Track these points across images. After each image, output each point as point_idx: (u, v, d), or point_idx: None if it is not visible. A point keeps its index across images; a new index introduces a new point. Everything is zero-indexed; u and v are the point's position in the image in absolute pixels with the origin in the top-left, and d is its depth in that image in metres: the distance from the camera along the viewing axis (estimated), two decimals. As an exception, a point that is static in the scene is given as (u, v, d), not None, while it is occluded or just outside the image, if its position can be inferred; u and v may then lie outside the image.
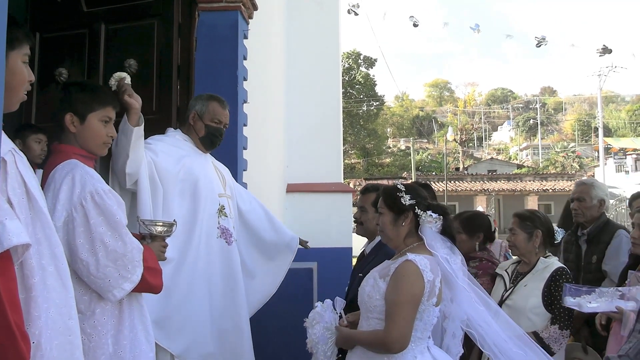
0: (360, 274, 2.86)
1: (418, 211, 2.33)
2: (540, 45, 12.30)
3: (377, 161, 43.68)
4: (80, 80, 2.36)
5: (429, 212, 2.33)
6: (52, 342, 1.51)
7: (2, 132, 1.39)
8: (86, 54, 4.13)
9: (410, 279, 2.17)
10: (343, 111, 8.04)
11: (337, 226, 7.37)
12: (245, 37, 4.25)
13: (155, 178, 2.87)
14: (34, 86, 4.18)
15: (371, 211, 3.12)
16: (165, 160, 2.95)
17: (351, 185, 31.58)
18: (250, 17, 4.31)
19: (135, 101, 2.67)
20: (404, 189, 2.37)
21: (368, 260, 3.01)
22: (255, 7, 4.31)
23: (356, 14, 9.53)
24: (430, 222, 2.32)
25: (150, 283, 2.08)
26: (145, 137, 3.83)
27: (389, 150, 48.25)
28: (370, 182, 4.38)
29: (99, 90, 2.25)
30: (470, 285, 2.29)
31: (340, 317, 2.44)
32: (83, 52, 4.15)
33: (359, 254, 3.78)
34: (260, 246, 3.51)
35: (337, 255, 7.15)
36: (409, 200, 2.34)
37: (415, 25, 11.73)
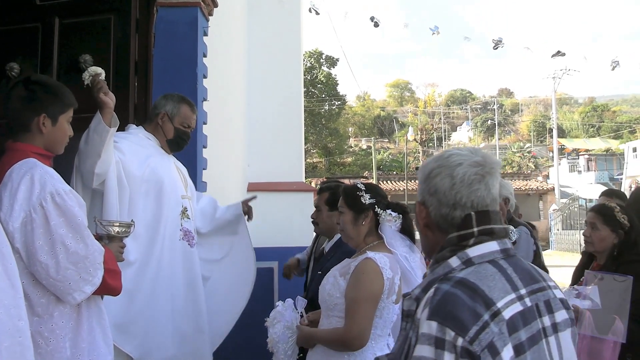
0: (319, 272, 2.87)
1: (378, 210, 2.35)
2: (497, 47, 12.58)
3: (338, 160, 43.84)
4: (42, 79, 2.27)
5: (389, 211, 2.35)
6: (1, 345, 1.45)
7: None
8: (39, 48, 4.00)
9: (370, 276, 2.18)
10: (305, 110, 8.06)
11: (298, 225, 7.37)
12: (205, 34, 4.20)
13: (123, 178, 2.81)
14: (-17, 81, 4.03)
15: (325, 210, 3.14)
16: (132, 160, 2.88)
17: (313, 184, 31.57)
18: (210, 14, 4.26)
19: (110, 99, 2.60)
20: (364, 188, 2.38)
21: (327, 259, 3.02)
22: (215, 4, 4.26)
23: (317, 12, 9.55)
24: (390, 221, 2.34)
25: (109, 285, 2.03)
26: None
27: (351, 150, 48.48)
28: (329, 180, 4.36)
29: (64, 90, 2.19)
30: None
31: (302, 316, 2.44)
32: (36, 47, 4.01)
33: (317, 253, 3.79)
34: (220, 231, 3.45)
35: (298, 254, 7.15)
36: (369, 199, 2.35)
37: (376, 25, 11.82)
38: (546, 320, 1.30)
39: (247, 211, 3.51)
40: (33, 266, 1.88)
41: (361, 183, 2.43)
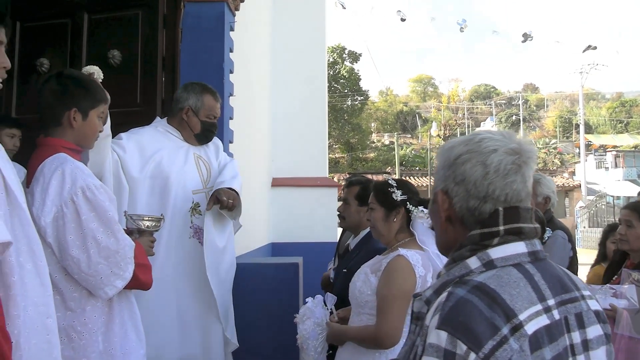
0: (345, 270, 2.83)
1: (410, 207, 2.31)
2: (525, 41, 12.37)
3: (361, 156, 43.73)
4: (74, 74, 2.27)
5: (421, 208, 2.31)
6: (30, 342, 1.46)
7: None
8: (68, 44, 4.04)
9: (402, 274, 2.15)
10: (327, 105, 8.02)
11: (322, 221, 7.36)
12: (232, 29, 4.19)
13: (121, 177, 2.76)
14: (14, 76, 4.09)
15: (354, 204, 3.08)
16: (133, 158, 2.83)
17: (335, 179, 31.58)
18: (237, 9, 4.25)
19: None
20: (395, 185, 2.35)
21: (352, 256, 2.97)
22: (241, -1, 4.24)
23: (343, 7, 9.49)
24: (422, 218, 2.30)
25: (140, 280, 2.03)
26: (129, 130, 3.78)
27: (373, 145, 48.31)
28: (354, 174, 4.31)
29: (96, 85, 2.19)
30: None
31: (331, 312, 2.42)
32: (65, 42, 4.05)
33: (342, 250, 3.76)
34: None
35: (322, 250, 7.12)
36: (401, 195, 2.32)
37: (402, 20, 11.72)
38: (576, 337, 1.14)
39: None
40: (65, 260, 1.89)
41: (392, 179, 2.40)
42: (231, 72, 4.21)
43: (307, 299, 2.43)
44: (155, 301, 2.74)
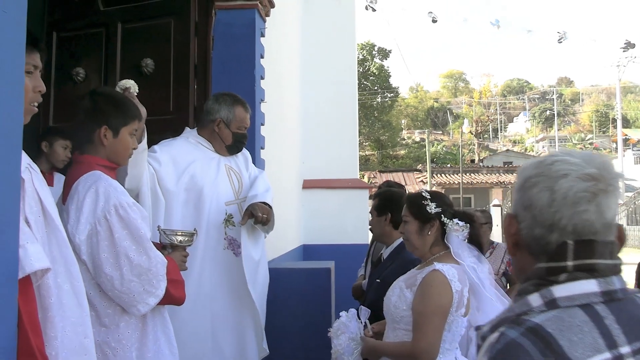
0: (378, 280, 2.81)
1: (444, 219, 2.27)
2: (561, 41, 12.08)
3: (391, 153, 43.49)
4: (106, 91, 2.30)
5: (455, 220, 2.27)
6: None
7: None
8: (103, 53, 4.10)
9: (439, 289, 2.11)
10: (357, 103, 7.99)
11: (352, 223, 7.34)
12: (262, 35, 4.20)
13: (157, 190, 2.78)
14: (51, 85, 4.17)
15: (373, 215, 3.10)
16: (168, 171, 2.85)
17: (365, 177, 31.46)
18: (267, 15, 4.25)
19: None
20: (429, 197, 2.31)
21: (385, 266, 2.95)
22: (272, 5, 4.25)
23: (374, 10, 9.44)
24: (457, 231, 2.26)
25: (173, 296, 2.05)
26: (162, 138, 3.82)
27: (404, 142, 48.01)
28: (387, 183, 4.23)
29: (128, 102, 2.20)
30: (498, 295, 2.23)
31: (365, 326, 2.39)
32: (100, 52, 4.12)
33: (374, 257, 3.74)
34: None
35: (352, 252, 7.10)
36: (435, 208, 2.28)
37: (434, 21, 11.59)
38: None
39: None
40: (99, 278, 1.91)
41: (426, 191, 2.36)
42: (262, 78, 4.21)
43: (340, 313, 2.41)
44: (191, 313, 2.75)
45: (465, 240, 2.28)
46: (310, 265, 5.11)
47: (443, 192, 31.34)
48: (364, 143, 40.81)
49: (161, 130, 3.84)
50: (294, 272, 4.55)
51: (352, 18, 7.22)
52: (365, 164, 38.07)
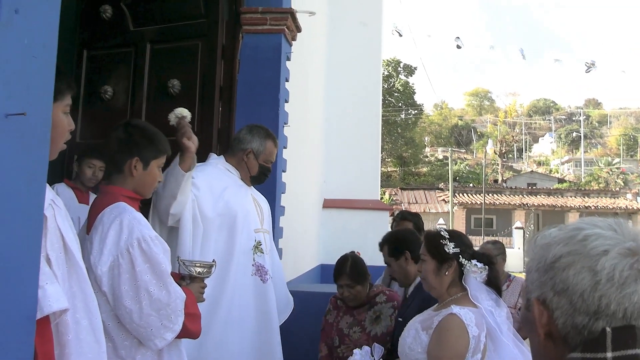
0: (400, 319, 2.78)
1: (462, 260, 2.24)
2: (589, 71, 11.95)
3: (413, 170, 43.29)
4: (141, 124, 2.33)
5: (474, 262, 2.24)
6: None
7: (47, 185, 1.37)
8: (131, 72, 4.18)
9: (455, 334, 2.08)
10: (381, 120, 8.00)
11: (372, 244, 7.27)
12: (288, 59, 4.23)
13: (197, 216, 2.80)
14: (79, 102, 4.25)
15: (392, 262, 3.10)
16: (206, 196, 2.87)
17: (387, 194, 31.35)
18: (294, 39, 4.29)
19: (193, 144, 2.60)
20: (447, 236, 2.28)
21: (407, 304, 2.92)
22: (298, 29, 4.28)
23: (400, 35, 9.46)
24: (475, 272, 2.22)
25: (189, 330, 2.05)
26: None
27: (426, 160, 47.77)
28: (395, 218, 4.20)
29: (160, 136, 2.22)
30: (515, 341, 2.18)
31: (379, 366, 2.37)
32: (128, 71, 4.19)
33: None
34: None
35: (372, 274, 7.07)
36: (453, 248, 2.25)
37: (458, 47, 11.58)
38: None
39: None
40: (118, 310, 1.93)
41: (445, 230, 2.33)
42: (286, 101, 4.24)
43: (354, 350, 2.39)
44: (221, 339, 2.79)
45: (483, 282, 2.25)
46: (327, 289, 5.08)
47: (465, 212, 30.92)
48: (386, 159, 40.71)
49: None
50: (311, 295, 4.53)
51: (378, 40, 7.25)
52: (386, 180, 37.93)
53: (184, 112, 2.59)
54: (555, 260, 0.96)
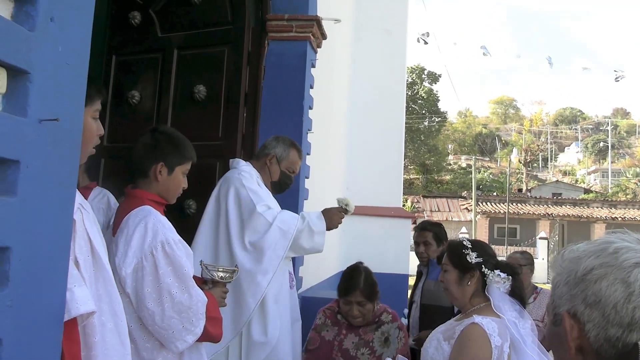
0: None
1: (485, 270, 2.22)
2: (619, 80, 11.75)
3: (436, 178, 43.02)
4: (168, 130, 2.37)
5: (497, 272, 2.21)
6: None
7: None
8: (158, 78, 4.23)
9: (477, 344, 2.05)
10: (404, 129, 7.99)
11: (394, 252, 7.28)
12: (313, 66, 4.25)
13: None
14: (107, 107, 4.33)
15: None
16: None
17: (409, 202, 31.19)
18: (319, 47, 4.31)
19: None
20: (470, 246, 2.26)
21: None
22: (324, 37, 4.30)
23: (426, 42, 9.44)
24: (498, 283, 2.20)
25: (210, 333, 2.07)
26: (210, 163, 3.89)
27: (449, 167, 47.42)
28: (417, 226, 4.13)
29: (186, 143, 2.25)
30: (540, 355, 2.14)
31: (404, 377, 2.35)
32: (155, 76, 4.25)
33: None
34: None
35: (393, 282, 7.04)
36: (475, 258, 2.23)
37: (484, 55, 11.51)
38: None
39: None
40: (141, 312, 1.96)
41: (467, 240, 2.32)
42: (310, 108, 4.26)
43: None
44: (281, 335, 2.86)
45: (507, 292, 2.22)
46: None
47: (488, 221, 30.49)
48: (409, 166, 40.54)
49: (210, 155, 3.93)
50: (330, 302, 4.52)
51: (402, 47, 7.24)
52: (409, 187, 37.74)
53: (345, 201, 2.86)
54: (586, 272, 0.95)
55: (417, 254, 3.77)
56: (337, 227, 2.87)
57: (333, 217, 2.86)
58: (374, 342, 2.88)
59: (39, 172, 1.14)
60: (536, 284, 4.64)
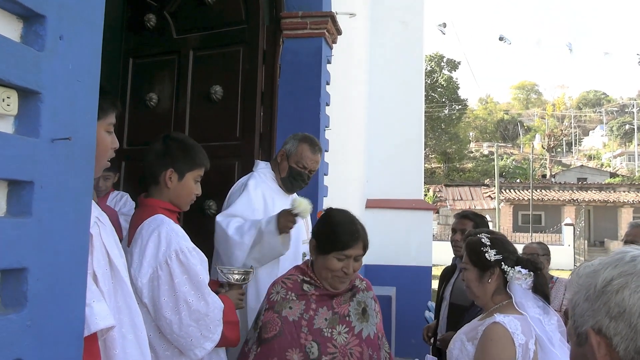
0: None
1: (505, 267, 2.18)
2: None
3: (458, 166, 42.68)
4: (180, 137, 2.35)
5: (518, 268, 2.17)
6: None
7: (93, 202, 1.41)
8: (175, 79, 4.25)
9: (500, 344, 2.02)
10: (424, 115, 7.91)
11: (417, 244, 7.24)
12: (329, 62, 4.23)
13: None
14: (126, 109, 4.37)
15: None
16: (258, 216, 2.89)
17: (430, 191, 30.99)
18: (334, 42, 4.28)
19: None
20: (489, 243, 2.22)
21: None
22: (339, 32, 4.27)
23: (443, 33, 9.32)
24: (520, 279, 2.16)
25: (228, 338, 2.08)
26: (228, 163, 3.90)
27: (471, 155, 46.98)
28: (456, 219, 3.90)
29: (198, 149, 2.23)
30: (567, 353, 2.09)
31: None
32: (172, 78, 4.27)
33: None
34: None
35: (416, 275, 7.02)
36: (495, 255, 2.18)
37: (500, 38, 11.31)
38: None
39: None
40: (159, 321, 1.97)
41: (486, 237, 2.27)
42: (327, 104, 4.24)
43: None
44: None
45: (529, 289, 2.18)
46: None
47: (512, 208, 30.10)
48: (430, 156, 40.25)
49: (228, 155, 3.95)
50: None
51: (419, 38, 7.17)
52: (430, 177, 37.49)
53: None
54: (606, 284, 0.92)
55: (452, 242, 3.55)
56: (287, 228, 2.66)
57: (280, 218, 2.67)
58: (350, 316, 2.19)
59: (53, 192, 1.14)
60: (561, 270, 4.57)
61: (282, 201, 3.02)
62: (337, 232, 2.20)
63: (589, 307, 0.94)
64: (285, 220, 2.64)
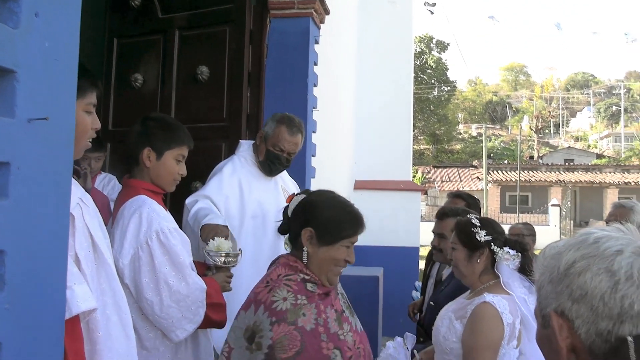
0: (432, 303, 2.75)
1: (494, 247, 2.20)
2: (629, 42, 11.49)
3: (446, 147, 42.81)
4: (159, 116, 2.32)
5: (506, 249, 2.20)
6: None
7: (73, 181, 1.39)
8: (160, 60, 4.18)
9: (489, 323, 2.05)
10: (413, 97, 7.89)
11: (404, 225, 7.27)
12: (317, 42, 4.18)
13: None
14: (111, 91, 4.30)
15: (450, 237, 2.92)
16: (235, 200, 2.85)
17: (419, 172, 31.09)
18: (322, 22, 4.23)
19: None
20: (479, 224, 2.24)
21: (441, 288, 2.88)
22: (327, 12, 4.22)
23: (432, 12, 9.26)
24: (508, 260, 2.18)
25: (213, 320, 2.08)
26: (215, 145, 3.87)
27: (460, 137, 47.11)
28: (447, 207, 3.85)
29: (177, 127, 2.19)
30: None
31: (413, 356, 2.36)
32: (157, 58, 4.20)
33: (437, 275, 3.58)
34: None
35: (404, 255, 7.06)
36: (485, 236, 2.21)
37: (493, 21, 11.29)
38: None
39: None
40: (141, 302, 1.96)
41: (476, 218, 2.29)
42: (315, 85, 4.20)
43: (387, 343, 2.38)
44: None
45: (516, 269, 2.20)
46: (357, 273, 5.09)
47: (499, 189, 30.37)
48: (419, 137, 40.33)
49: (215, 137, 3.91)
50: (341, 279, 4.53)
51: (408, 18, 7.12)
52: (419, 158, 37.59)
53: (232, 255, 2.25)
54: (569, 266, 0.91)
55: (432, 245, 3.57)
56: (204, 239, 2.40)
57: (202, 232, 2.46)
58: (345, 312, 1.97)
59: (30, 173, 1.12)
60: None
61: (261, 186, 2.97)
62: (343, 217, 1.92)
63: (553, 289, 0.93)
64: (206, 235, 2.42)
